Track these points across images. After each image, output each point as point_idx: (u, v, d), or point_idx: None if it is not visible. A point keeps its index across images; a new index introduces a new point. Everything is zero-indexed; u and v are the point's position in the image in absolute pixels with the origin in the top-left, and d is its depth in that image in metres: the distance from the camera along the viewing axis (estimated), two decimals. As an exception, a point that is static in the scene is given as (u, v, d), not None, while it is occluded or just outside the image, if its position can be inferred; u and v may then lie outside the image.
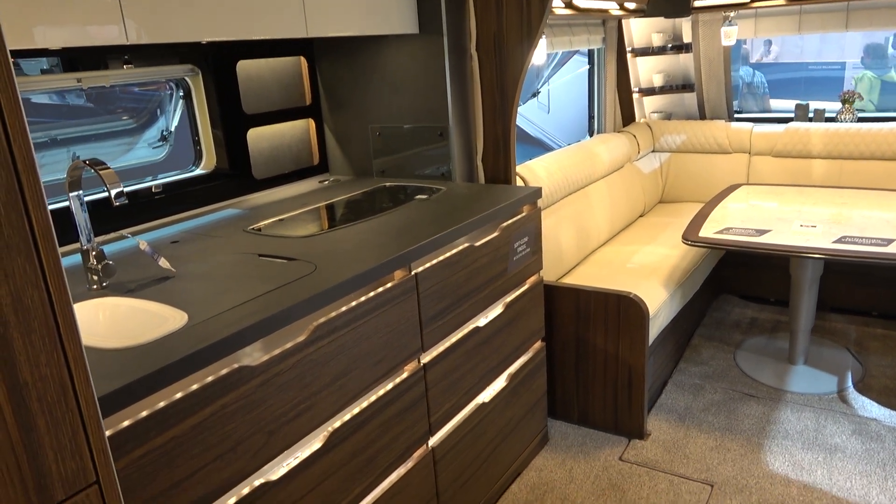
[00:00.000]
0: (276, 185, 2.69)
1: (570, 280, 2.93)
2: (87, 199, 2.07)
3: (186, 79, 2.36)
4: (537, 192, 2.37)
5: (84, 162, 1.50)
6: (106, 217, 2.10)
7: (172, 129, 2.47)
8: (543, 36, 2.97)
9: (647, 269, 2.97)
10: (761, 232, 2.69)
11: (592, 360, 2.65)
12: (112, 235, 2.03)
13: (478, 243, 2.06)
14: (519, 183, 2.85)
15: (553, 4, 2.70)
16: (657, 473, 2.39)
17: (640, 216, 3.92)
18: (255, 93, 2.55)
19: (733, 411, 2.74)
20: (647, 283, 2.76)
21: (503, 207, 2.17)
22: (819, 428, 2.58)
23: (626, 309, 2.50)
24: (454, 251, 1.96)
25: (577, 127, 4.58)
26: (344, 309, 1.58)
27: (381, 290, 1.69)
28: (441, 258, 1.90)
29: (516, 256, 2.27)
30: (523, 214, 2.31)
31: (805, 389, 2.86)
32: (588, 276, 2.95)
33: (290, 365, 1.44)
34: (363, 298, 1.64)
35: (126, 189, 2.18)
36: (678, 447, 2.53)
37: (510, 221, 2.23)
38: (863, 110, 3.92)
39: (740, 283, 3.85)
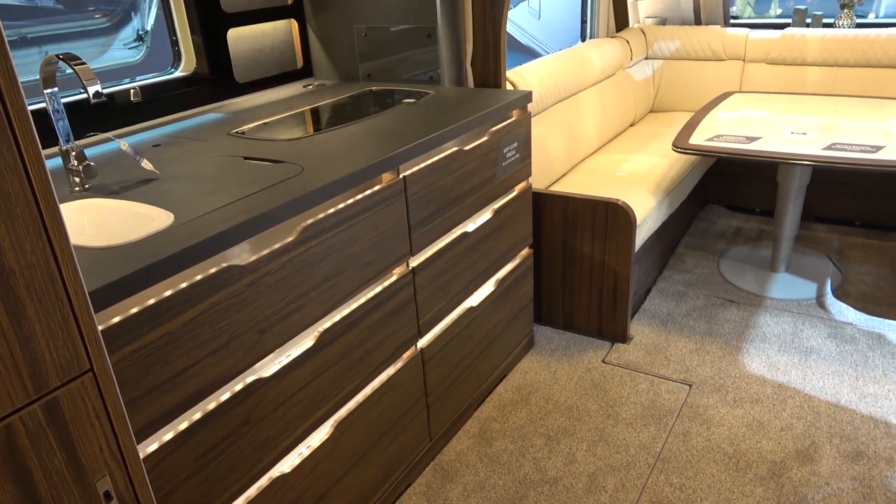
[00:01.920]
0: (258, 89, 2.61)
1: (559, 188, 2.92)
2: (63, 101, 2.02)
3: (160, -27, 2.24)
4: (527, 97, 2.32)
5: (58, 56, 1.43)
6: (84, 120, 2.04)
7: (148, 28, 2.37)
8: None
9: (635, 178, 2.96)
10: (751, 139, 2.67)
11: (579, 267, 2.68)
12: (94, 138, 1.98)
13: (467, 147, 2.03)
14: (509, 88, 2.78)
15: None
16: (638, 374, 2.47)
17: (631, 125, 3.88)
18: (233, -10, 2.43)
19: (714, 316, 2.81)
20: (635, 191, 2.76)
21: (492, 111, 2.13)
22: (796, 332, 2.66)
23: (614, 215, 2.51)
24: (443, 155, 1.93)
25: (570, 34, 4.44)
26: (332, 211, 1.57)
27: (368, 192, 1.67)
28: (429, 161, 1.88)
29: (505, 162, 2.25)
30: (513, 119, 2.27)
31: (785, 295, 2.93)
32: (577, 185, 2.94)
33: (279, 265, 1.44)
34: (351, 201, 1.62)
35: (106, 90, 2.12)
36: (659, 350, 2.61)
37: (499, 126, 2.19)
38: (863, 16, 3.82)
39: (727, 193, 3.87)
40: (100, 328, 1.13)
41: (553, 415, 2.30)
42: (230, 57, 2.47)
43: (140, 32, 2.38)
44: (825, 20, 3.76)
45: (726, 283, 3.07)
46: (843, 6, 3.71)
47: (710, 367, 2.48)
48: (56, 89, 1.53)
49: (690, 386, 2.39)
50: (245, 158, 1.76)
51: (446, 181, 1.96)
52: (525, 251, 2.52)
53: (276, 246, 1.44)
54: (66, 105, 2.00)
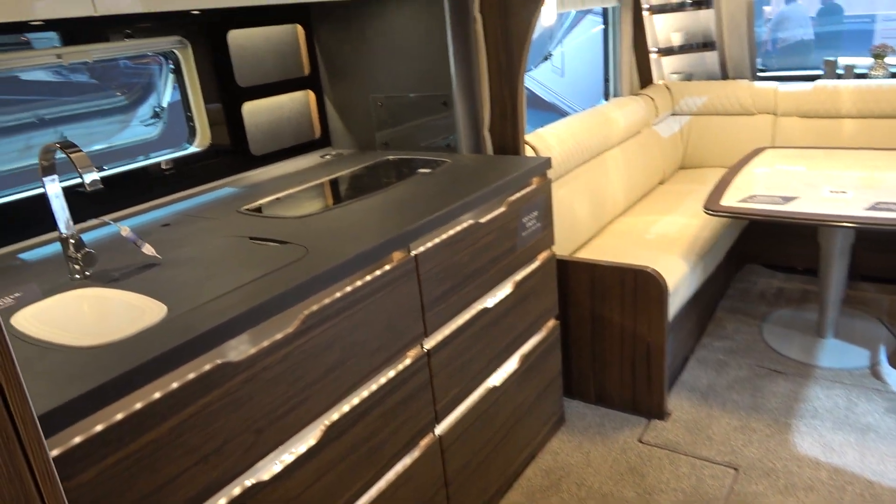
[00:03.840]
0: (275, 160, 2.58)
1: (585, 253, 2.80)
2: (76, 180, 1.99)
3: (175, 51, 2.24)
4: (546, 163, 2.23)
5: (56, 144, 1.39)
6: (97, 199, 2.01)
7: (165, 105, 2.36)
8: (553, -6, 2.80)
9: (666, 241, 2.83)
10: (788, 199, 2.53)
11: (609, 338, 2.53)
12: (93, 222, 1.93)
13: (483, 220, 1.94)
14: (528, 153, 2.71)
15: (562, -41, 2.52)
16: (678, 456, 2.28)
17: (660, 183, 3.76)
18: (249, 64, 2.43)
19: (759, 388, 2.61)
20: (666, 256, 2.62)
21: (510, 180, 2.04)
22: (850, 406, 2.45)
23: (644, 284, 2.37)
24: (457, 229, 1.84)
25: (594, 90, 4.40)
26: (338, 295, 1.48)
27: (378, 273, 1.58)
28: (443, 237, 1.79)
29: (525, 232, 2.15)
30: (532, 187, 2.18)
31: (835, 364, 2.73)
32: (604, 249, 2.82)
33: (279, 358, 1.34)
34: (359, 283, 1.53)
35: (118, 170, 2.09)
36: (700, 428, 2.42)
37: (518, 195, 2.10)
38: (896, 65, 3.69)
39: (766, 251, 3.69)
40: (77, 439, 1.04)
41: (587, 503, 2.12)
42: (245, 130, 2.45)
43: (156, 109, 2.37)
44: (858, 71, 3.64)
45: (770, 351, 2.87)
46: (875, 56, 3.59)
47: (757, 447, 2.28)
48: (56, 176, 1.48)
49: (736, 470, 2.19)
50: (251, 239, 1.69)
51: (462, 256, 1.86)
52: (551, 322, 2.39)
53: (276, 337, 1.34)
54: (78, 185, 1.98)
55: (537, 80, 6.36)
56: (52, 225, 1.79)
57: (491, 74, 2.47)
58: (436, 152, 2.49)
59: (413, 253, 1.69)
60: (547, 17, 2.82)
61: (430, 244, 1.74)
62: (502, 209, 2.02)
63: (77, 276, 1.52)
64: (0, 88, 2.07)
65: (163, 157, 2.24)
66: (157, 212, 2.07)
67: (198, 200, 2.17)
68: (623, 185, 3.31)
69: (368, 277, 1.56)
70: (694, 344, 2.99)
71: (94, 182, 1.36)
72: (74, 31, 1.93)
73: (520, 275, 2.16)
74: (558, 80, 6.74)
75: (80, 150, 1.38)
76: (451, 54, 2.35)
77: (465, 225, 1.86)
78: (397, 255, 1.66)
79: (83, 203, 1.96)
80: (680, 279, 2.52)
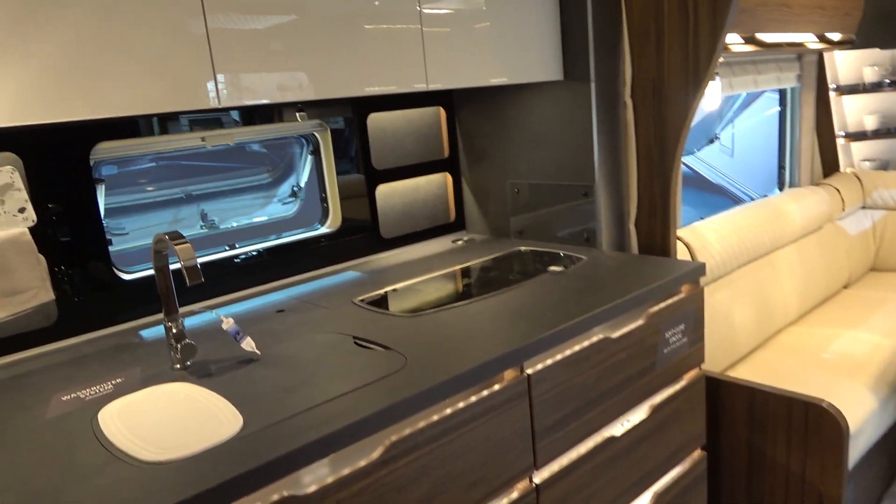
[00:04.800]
0: (406, 243, 2.51)
1: (744, 370, 2.40)
2: (207, 258, 2.03)
3: (315, 134, 2.27)
4: (699, 269, 1.93)
5: (165, 235, 1.38)
6: (230, 275, 2.04)
7: (302, 184, 2.39)
8: (717, 77, 2.53)
9: (849, 363, 2.36)
10: None
11: (770, 479, 2.11)
12: (199, 307, 1.94)
13: (615, 334, 1.68)
14: (681, 249, 2.41)
15: (728, 42, 2.26)
16: None
17: (844, 288, 3.23)
18: (387, 146, 2.40)
19: (974, 570, 2.04)
20: (848, 385, 2.17)
21: (653, 289, 1.77)
22: None
23: (817, 421, 1.95)
24: (584, 345, 1.60)
25: (767, 172, 3.96)
26: (434, 418, 1.30)
27: (484, 394, 1.39)
28: (566, 353, 1.56)
29: (668, 348, 1.85)
30: (680, 296, 1.89)
31: None
32: (768, 368, 2.40)
33: (353, 492, 1.18)
34: (460, 405, 1.35)
35: (249, 248, 2.12)
36: None
37: (661, 306, 1.82)
38: None
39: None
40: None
41: None
42: (377, 212, 2.40)
43: (294, 188, 2.40)
44: None
45: None
46: None
47: None
48: (167, 264, 1.48)
49: None
50: (355, 339, 1.57)
51: (586, 376, 1.61)
52: (696, 454, 2.03)
53: (355, 466, 1.18)
54: (211, 261, 2.01)
55: (703, 159, 5.92)
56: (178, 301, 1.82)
57: (640, 165, 2.24)
58: (573, 246, 2.28)
59: (527, 372, 1.48)
60: (710, 101, 2.55)
61: (548, 362, 1.53)
62: (640, 322, 1.76)
63: (177, 365, 1.48)
64: (154, 167, 2.19)
65: (294, 237, 2.24)
66: (279, 294, 2.05)
67: (320, 283, 2.13)
68: (796, 289, 2.87)
69: (473, 398, 1.37)
70: (881, 491, 2.44)
71: (194, 277, 1.32)
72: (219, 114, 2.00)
73: (659, 397, 1.86)
74: (727, 161, 6.24)
75: (187, 242, 1.35)
76: (596, 142, 2.16)
77: (593, 340, 1.63)
78: (509, 374, 1.46)
79: (211, 276, 1.99)
80: (865, 417, 2.06)
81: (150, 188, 2.23)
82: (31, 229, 1.62)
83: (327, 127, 2.25)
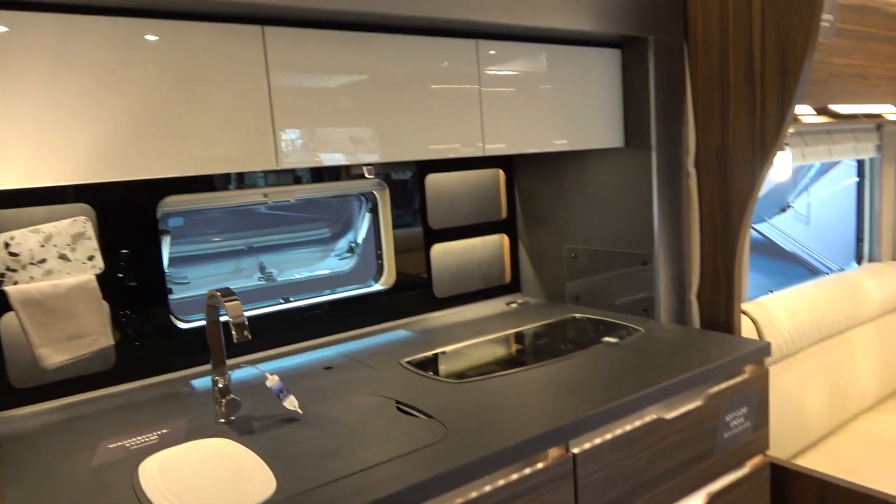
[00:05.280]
0: (459, 304, 2.49)
1: (815, 458, 2.24)
2: (262, 310, 2.07)
3: (374, 192, 2.30)
4: (764, 349, 1.83)
5: (217, 291, 1.41)
6: (284, 328, 2.07)
7: (360, 240, 2.42)
8: (787, 148, 2.45)
9: (934, 459, 2.16)
10: None
11: (842, 583, 1.93)
12: (250, 359, 1.96)
13: (670, 415, 1.60)
14: (747, 325, 2.29)
15: (798, 112, 2.19)
16: None
17: (929, 373, 2.99)
18: (444, 206, 2.42)
19: None
20: (933, 484, 1.98)
21: (713, 368, 1.68)
22: None
23: (897, 524, 1.78)
24: (635, 425, 1.52)
25: (846, 241, 3.77)
26: (474, 495, 1.25)
27: (526, 472, 1.33)
28: (616, 433, 1.49)
29: (728, 432, 1.74)
30: (743, 377, 1.79)
31: None
32: (840, 457, 2.23)
33: (383, 570, 1.14)
34: (501, 482, 1.29)
35: (304, 301, 2.14)
36: None
37: (722, 387, 1.72)
38: None
39: None
40: None
41: None
42: (431, 271, 2.40)
43: (351, 244, 2.44)
44: None
45: None
46: None
47: None
48: (218, 319, 1.50)
49: None
50: (397, 404, 1.55)
51: (637, 458, 1.53)
52: (758, 548, 1.88)
53: (385, 543, 1.14)
54: (265, 313, 2.05)
55: (777, 227, 5.71)
56: (230, 353, 1.85)
57: (703, 236, 2.17)
58: (630, 316, 2.21)
59: (573, 451, 1.41)
60: (780, 172, 2.46)
61: (597, 441, 1.46)
62: (698, 403, 1.67)
63: (221, 420, 1.49)
64: (217, 218, 2.27)
65: (348, 293, 2.25)
66: (329, 349, 2.06)
67: (371, 341, 2.13)
68: (874, 372, 2.67)
69: (515, 476, 1.32)
70: None
71: (241, 334, 1.33)
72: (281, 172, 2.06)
73: (718, 484, 1.74)
74: (803, 229, 5.99)
75: (237, 300, 1.37)
76: (656, 210, 2.11)
77: (646, 420, 1.55)
78: (554, 453, 1.40)
79: (265, 328, 2.02)
80: (954, 523, 1.86)
81: (215, 238, 2.30)
82: (98, 276, 1.69)
83: (385, 186, 2.28)
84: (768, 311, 2.38)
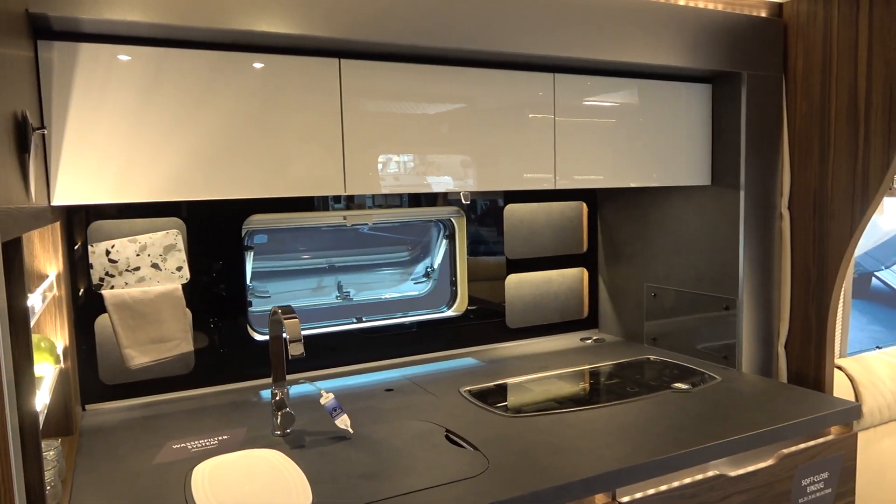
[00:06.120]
0: (532, 335, 2.46)
1: (917, 538, 2.01)
2: (336, 328, 2.14)
3: (452, 219, 2.33)
4: (854, 411, 1.67)
5: (279, 308, 1.48)
6: (354, 347, 2.13)
7: (436, 266, 2.45)
8: (898, 193, 2.24)
9: None
10: None
11: None
12: (310, 377, 2.02)
13: (734, 473, 1.49)
14: (842, 383, 2.11)
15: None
16: None
17: None
18: (522, 237, 2.41)
19: None
20: None
21: (787, 427, 1.56)
22: None
23: None
24: (695, 478, 1.44)
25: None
26: (505, 535, 1.23)
27: (564, 517, 1.29)
28: (671, 485, 1.41)
29: (804, 498, 1.60)
30: (827, 438, 1.65)
31: None
32: (949, 540, 1.99)
33: None
34: (536, 524, 1.26)
35: (376, 322, 2.20)
36: None
37: (800, 447, 1.59)
38: None
39: None
40: None
41: None
42: (505, 301, 2.39)
43: (428, 269, 2.47)
44: None
45: None
46: None
47: None
48: (280, 335, 1.57)
49: None
50: (446, 433, 1.55)
51: (693, 516, 1.44)
52: None
53: (410, 572, 1.14)
54: (345, 330, 2.12)
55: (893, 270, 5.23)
56: (299, 367, 1.94)
57: (794, 282, 2.02)
58: (708, 363, 2.09)
59: (620, 501, 1.35)
60: (889, 219, 2.26)
61: (650, 491, 1.39)
62: (769, 462, 1.55)
63: (276, 432, 1.55)
64: (305, 237, 2.38)
65: (420, 317, 2.29)
66: (395, 371, 2.09)
67: (436, 366, 2.14)
68: None
69: (551, 519, 1.28)
70: None
71: (296, 351, 1.39)
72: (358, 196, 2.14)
73: (790, 554, 1.61)
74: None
75: (295, 318, 1.43)
76: (742, 253, 2.00)
77: (707, 475, 1.46)
78: (600, 499, 1.35)
79: (337, 346, 2.09)
80: None
81: (304, 256, 2.41)
82: (184, 286, 1.82)
83: (463, 213, 2.31)
84: (870, 368, 2.18)
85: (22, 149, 0.96)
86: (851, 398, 2.09)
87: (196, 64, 1.40)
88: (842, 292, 2.43)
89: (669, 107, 1.99)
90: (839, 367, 2.14)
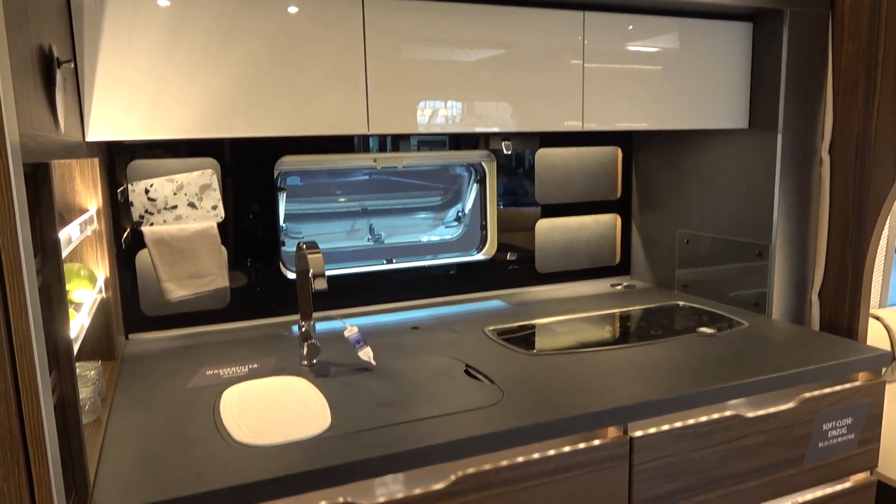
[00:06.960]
0: (562, 280, 2.47)
1: (948, 490, 1.97)
2: (367, 268, 2.19)
3: (483, 163, 2.34)
4: (882, 358, 1.64)
5: (303, 244, 1.53)
6: (384, 287, 2.19)
7: (467, 211, 2.47)
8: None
9: None
10: None
11: None
12: (348, 312, 2.08)
13: (752, 414, 1.49)
14: (877, 332, 2.06)
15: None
16: None
17: None
18: (555, 182, 2.40)
19: None
20: None
21: (809, 371, 1.54)
22: None
23: None
24: (712, 417, 1.45)
25: None
26: (521, 460, 1.27)
27: (580, 446, 1.32)
28: (687, 422, 1.42)
29: (825, 442, 1.60)
30: (853, 384, 1.63)
31: None
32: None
33: (416, 516, 1.20)
34: (551, 452, 1.30)
35: (406, 264, 2.24)
36: None
37: (823, 392, 1.58)
38: None
39: None
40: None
41: None
42: (535, 246, 2.40)
43: (460, 214, 2.49)
44: None
45: None
46: None
47: None
48: (307, 270, 1.62)
49: None
50: (466, 367, 1.59)
51: (707, 453, 1.45)
52: (856, 574, 1.72)
53: (416, 492, 1.20)
54: (375, 271, 2.18)
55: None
56: (330, 305, 2.00)
57: (832, 230, 1.97)
58: (738, 309, 2.07)
59: (632, 435, 1.38)
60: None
61: (664, 427, 1.41)
62: (790, 405, 1.54)
63: (304, 362, 1.62)
64: (338, 181, 2.42)
65: (451, 260, 2.32)
66: (423, 311, 2.14)
67: (464, 307, 2.18)
68: None
69: (567, 448, 1.31)
70: None
71: (319, 285, 1.44)
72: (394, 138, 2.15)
73: (807, 495, 1.61)
74: None
75: (319, 253, 1.48)
76: (777, 198, 1.95)
77: (724, 414, 1.46)
78: (612, 433, 1.37)
79: (368, 285, 2.15)
80: None
81: (338, 199, 2.45)
82: (219, 224, 1.88)
83: (494, 158, 2.30)
84: (910, 320, 2.12)
85: (48, 81, 1.01)
86: (887, 348, 2.04)
87: (222, 1, 1.42)
88: (883, 241, 2.35)
89: (708, 47, 1.93)
90: (876, 317, 2.08)
